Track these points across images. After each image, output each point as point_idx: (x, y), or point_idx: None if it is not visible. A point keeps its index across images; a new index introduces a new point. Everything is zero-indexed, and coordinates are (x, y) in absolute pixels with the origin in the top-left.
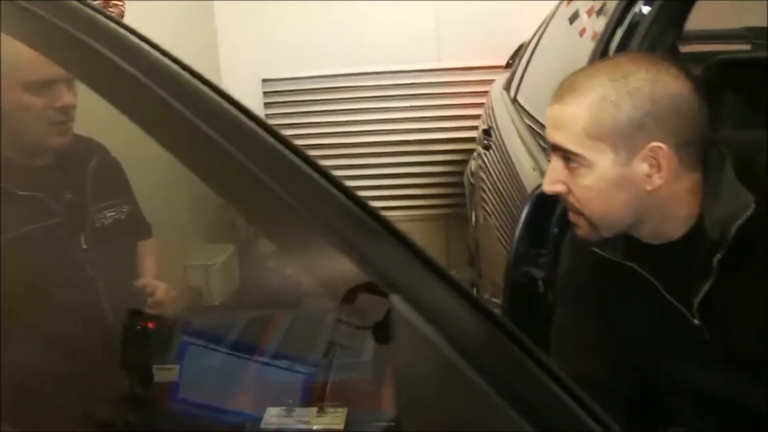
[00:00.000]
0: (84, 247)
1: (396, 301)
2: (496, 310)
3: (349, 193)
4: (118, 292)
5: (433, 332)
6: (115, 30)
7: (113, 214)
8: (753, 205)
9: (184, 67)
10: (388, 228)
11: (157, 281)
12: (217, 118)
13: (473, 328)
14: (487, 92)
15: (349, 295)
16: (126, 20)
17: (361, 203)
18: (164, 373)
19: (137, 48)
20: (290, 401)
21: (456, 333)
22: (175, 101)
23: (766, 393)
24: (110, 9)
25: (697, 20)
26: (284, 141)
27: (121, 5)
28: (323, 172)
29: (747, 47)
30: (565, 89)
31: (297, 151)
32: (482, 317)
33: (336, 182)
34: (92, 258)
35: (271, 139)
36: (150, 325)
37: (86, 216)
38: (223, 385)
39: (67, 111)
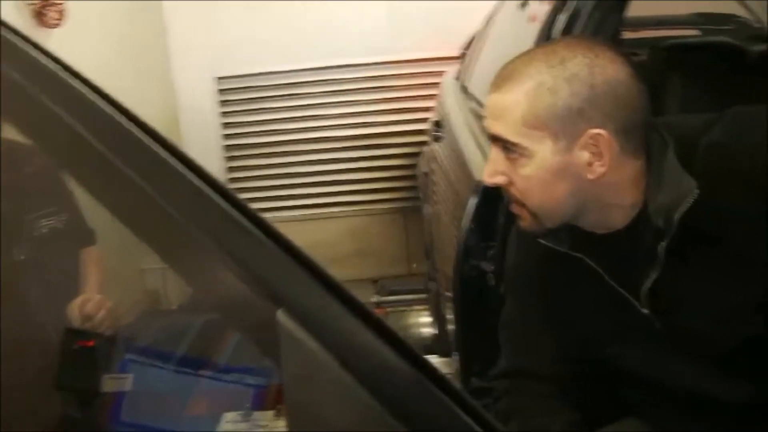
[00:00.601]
0: (21, 257)
1: (281, 315)
2: (449, 304)
3: (238, 204)
4: (57, 305)
5: (318, 346)
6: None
7: (51, 222)
8: (696, 191)
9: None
10: (272, 236)
11: (90, 294)
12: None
13: (361, 341)
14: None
15: None
16: (70, 21)
17: (246, 211)
18: (113, 382)
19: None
20: (247, 405)
21: (342, 346)
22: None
23: (715, 379)
24: (49, 9)
25: (649, 7)
26: (167, 145)
27: (60, 5)
28: (209, 179)
29: (696, 33)
30: (502, 77)
31: (179, 155)
32: (372, 331)
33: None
34: (29, 269)
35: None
36: (90, 344)
37: (21, 225)
38: (175, 396)
39: None
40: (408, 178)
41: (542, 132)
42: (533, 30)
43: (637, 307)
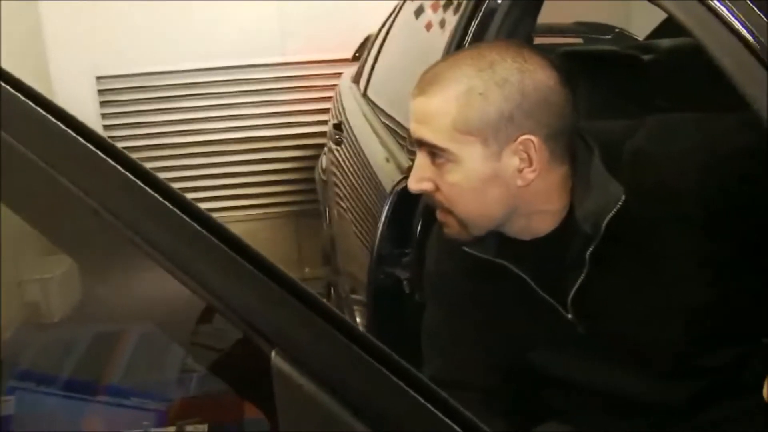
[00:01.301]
0: None
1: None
2: (358, 308)
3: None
4: None
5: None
6: None
7: None
8: (623, 197)
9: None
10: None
11: None
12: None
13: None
14: (334, 86)
15: (206, 315)
16: None
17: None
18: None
19: None
20: (146, 423)
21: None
22: None
23: (635, 381)
24: None
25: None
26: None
27: None
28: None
29: (579, 41)
30: (428, 81)
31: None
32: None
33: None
34: None
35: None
36: None
37: None
38: (69, 413)
39: None
40: (300, 181)
41: (472, 137)
42: (432, 38)
43: (561, 313)
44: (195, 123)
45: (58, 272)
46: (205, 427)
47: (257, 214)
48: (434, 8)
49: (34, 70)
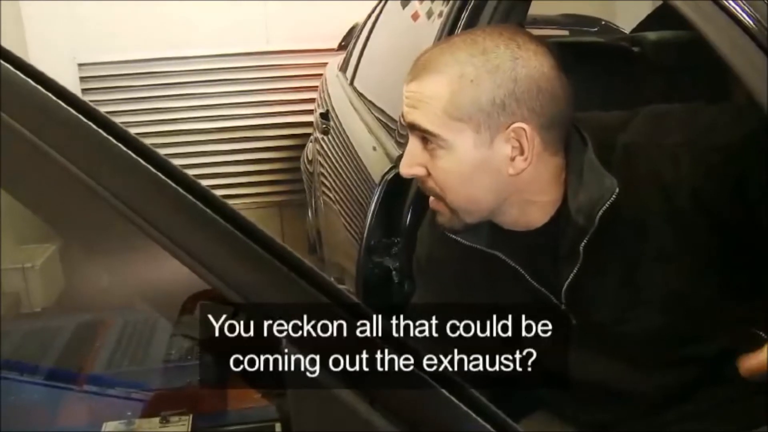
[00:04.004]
0: None
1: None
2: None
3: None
4: None
5: None
6: None
7: None
8: (617, 189)
9: None
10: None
11: None
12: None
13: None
14: (319, 75)
15: (189, 305)
16: None
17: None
18: None
19: None
20: (129, 413)
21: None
22: None
23: (624, 370)
24: None
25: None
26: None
27: None
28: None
29: (565, 32)
30: (421, 66)
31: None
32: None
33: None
34: None
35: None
36: None
37: None
38: (51, 404)
39: None
40: (285, 171)
41: (464, 124)
42: (418, 28)
43: (555, 304)
44: (178, 111)
45: (38, 261)
46: (189, 417)
47: (242, 203)
48: None
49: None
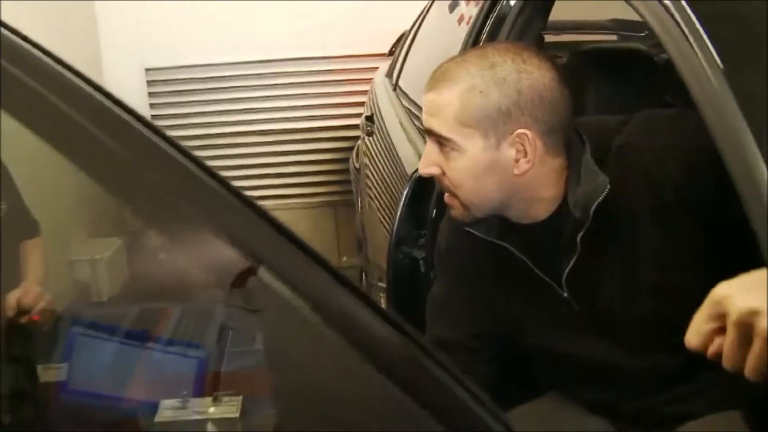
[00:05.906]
0: None
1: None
2: (382, 295)
3: (223, 182)
4: None
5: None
6: None
7: None
8: (608, 186)
9: (63, 64)
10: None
11: (29, 286)
12: (93, 110)
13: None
14: (370, 80)
15: (238, 280)
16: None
17: (231, 189)
18: (50, 372)
19: (16, 46)
20: (185, 392)
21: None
22: (54, 97)
23: (622, 352)
24: None
25: (569, 12)
26: (161, 133)
27: None
28: (197, 161)
29: (613, 38)
30: (437, 78)
31: (170, 140)
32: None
33: (210, 171)
34: None
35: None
36: (36, 318)
37: None
38: (115, 379)
39: None
40: (339, 172)
41: (473, 130)
42: (461, 32)
43: (558, 292)
44: (239, 114)
45: (106, 253)
46: (239, 399)
47: (298, 203)
48: (467, 1)
49: (87, 63)
